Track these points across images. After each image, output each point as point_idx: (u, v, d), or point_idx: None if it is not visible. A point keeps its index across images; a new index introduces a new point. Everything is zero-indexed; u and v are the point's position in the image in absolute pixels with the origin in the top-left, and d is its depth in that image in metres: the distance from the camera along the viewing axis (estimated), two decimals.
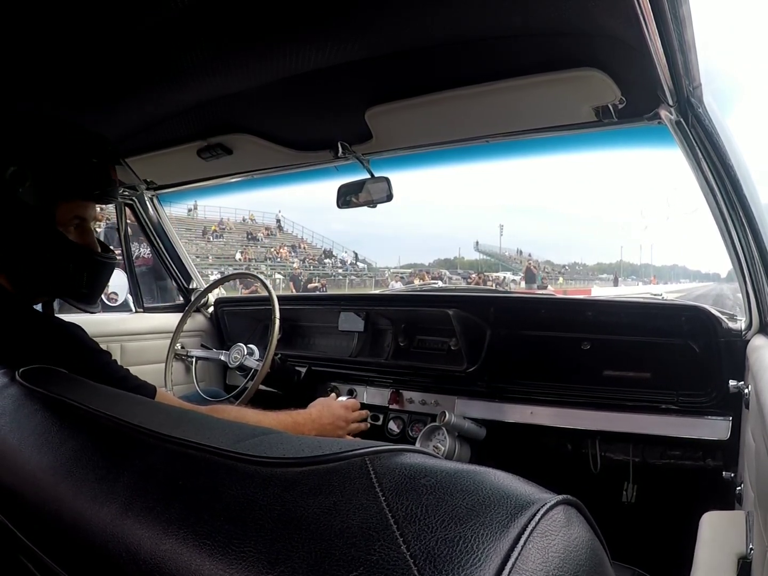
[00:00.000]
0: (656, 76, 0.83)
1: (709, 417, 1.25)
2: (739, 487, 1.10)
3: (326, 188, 1.68)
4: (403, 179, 1.56)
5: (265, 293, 1.63)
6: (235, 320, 2.04)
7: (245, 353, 1.64)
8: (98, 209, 0.99)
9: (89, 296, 0.91)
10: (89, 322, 1.16)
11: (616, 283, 41.97)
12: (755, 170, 1.13)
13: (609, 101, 1.00)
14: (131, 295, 2.07)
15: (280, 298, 1.59)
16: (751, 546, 0.79)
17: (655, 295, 1.55)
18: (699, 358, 1.26)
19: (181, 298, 2.14)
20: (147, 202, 1.91)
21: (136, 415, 0.45)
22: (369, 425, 1.23)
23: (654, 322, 1.33)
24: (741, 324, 1.25)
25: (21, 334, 0.79)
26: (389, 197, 1.45)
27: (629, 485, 1.42)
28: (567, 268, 55.61)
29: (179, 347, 1.84)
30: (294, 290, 18.54)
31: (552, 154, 1.42)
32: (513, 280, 29.35)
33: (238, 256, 25.91)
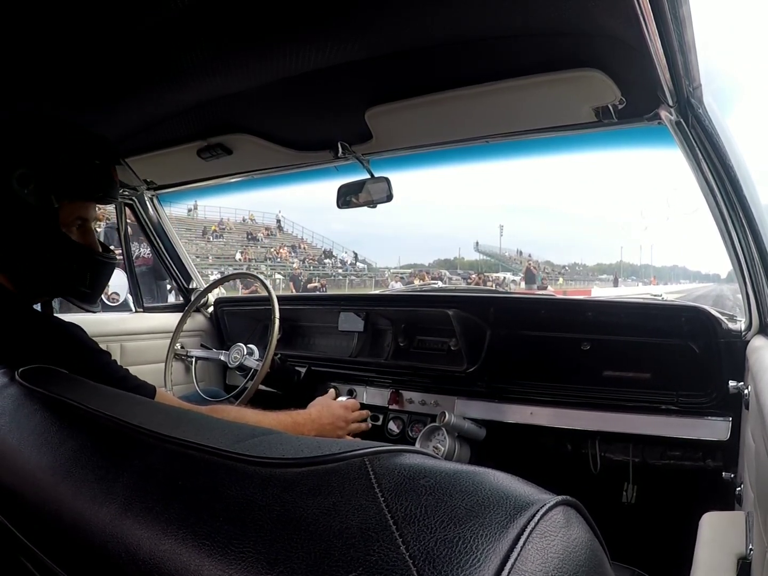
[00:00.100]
0: (656, 77, 0.83)
1: (709, 417, 1.25)
2: (739, 488, 1.10)
3: (326, 188, 1.69)
4: (403, 179, 1.56)
5: (265, 293, 1.63)
6: (235, 320, 2.04)
7: (245, 353, 1.64)
8: (99, 209, 1.00)
9: (91, 296, 0.92)
10: (89, 322, 1.16)
11: (616, 283, 41.96)
12: (755, 170, 1.13)
13: (609, 101, 1.00)
14: (131, 294, 2.07)
15: (280, 298, 1.59)
16: (750, 546, 0.78)
17: (655, 295, 1.55)
18: (699, 358, 1.26)
19: (181, 298, 2.14)
20: (147, 202, 1.91)
21: (135, 415, 0.45)
22: (370, 425, 1.23)
23: (654, 322, 1.33)
24: (741, 325, 1.25)
25: (21, 334, 0.79)
26: (389, 197, 1.45)
27: (629, 486, 1.42)
28: (567, 268, 55.66)
29: (179, 347, 1.84)
30: (294, 290, 18.55)
31: (552, 154, 1.42)
32: (513, 281, 29.36)
33: (238, 256, 25.92)
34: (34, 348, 0.76)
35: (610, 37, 0.86)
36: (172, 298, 4.42)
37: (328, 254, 31.98)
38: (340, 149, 1.36)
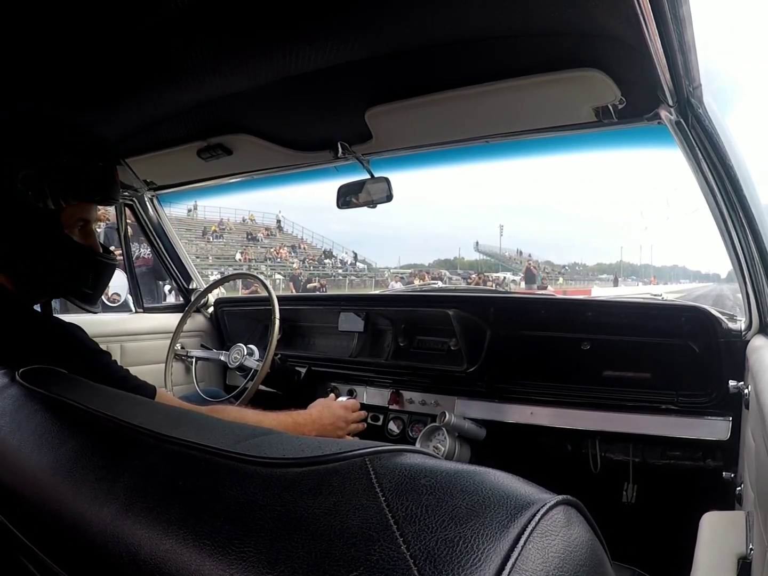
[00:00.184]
0: (656, 77, 0.83)
1: (709, 417, 1.25)
2: (739, 488, 1.10)
3: (326, 188, 1.69)
4: (403, 179, 1.56)
5: (265, 293, 1.63)
6: (235, 320, 2.04)
7: (245, 353, 1.64)
8: (99, 210, 1.00)
9: (92, 296, 0.93)
10: (89, 322, 1.16)
11: (616, 283, 41.96)
12: (755, 170, 1.13)
13: (609, 101, 1.00)
14: (131, 295, 2.07)
15: (280, 298, 1.59)
16: (751, 546, 0.78)
17: (655, 295, 1.55)
18: (699, 358, 1.26)
19: (181, 299, 2.14)
20: (147, 203, 1.91)
21: (136, 416, 0.45)
22: (365, 425, 1.24)
23: (654, 322, 1.33)
24: (741, 324, 1.25)
25: (21, 335, 0.79)
26: (389, 197, 1.45)
27: (629, 485, 1.42)
28: (567, 268, 55.65)
29: (179, 347, 1.84)
30: (294, 291, 18.55)
31: (552, 154, 1.42)
32: (513, 281, 29.36)
33: (238, 256, 25.92)
34: (35, 348, 0.76)
35: (610, 37, 0.86)
36: (171, 299, 4.42)
37: (328, 254, 31.98)
38: (340, 149, 1.36)
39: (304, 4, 0.82)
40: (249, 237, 29.84)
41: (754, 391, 0.92)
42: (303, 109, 1.27)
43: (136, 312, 2.00)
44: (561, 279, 43.53)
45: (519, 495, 0.27)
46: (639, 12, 0.67)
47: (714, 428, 1.24)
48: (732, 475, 1.20)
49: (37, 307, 0.91)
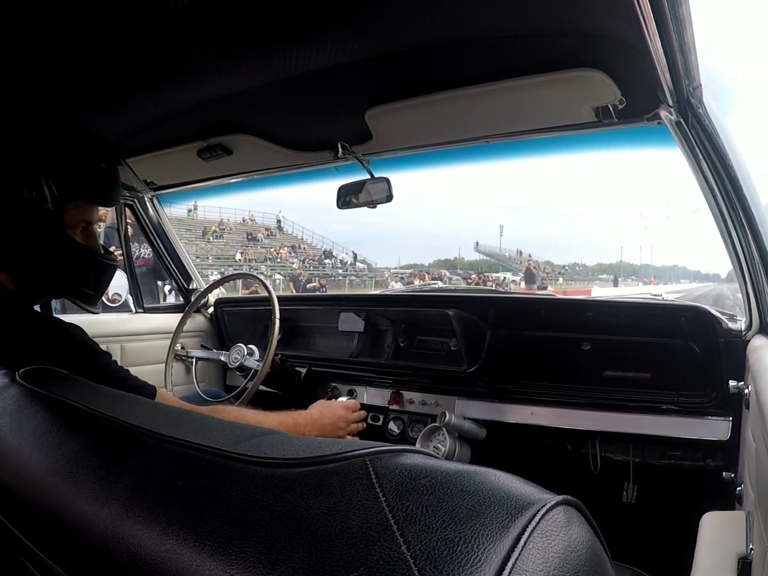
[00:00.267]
0: (656, 77, 0.83)
1: (709, 417, 1.25)
2: (740, 488, 1.10)
3: (326, 188, 1.69)
4: (403, 179, 1.56)
5: (265, 294, 1.63)
6: (235, 320, 2.04)
7: (245, 354, 1.64)
8: (100, 210, 1.01)
9: (94, 297, 0.93)
10: (89, 322, 1.16)
11: (616, 283, 41.95)
12: (755, 170, 1.13)
13: (609, 101, 1.00)
14: (131, 295, 2.07)
15: (280, 298, 1.59)
16: (751, 546, 0.78)
17: (655, 295, 1.55)
18: (699, 358, 1.26)
19: (181, 299, 2.14)
20: (147, 203, 1.91)
21: (136, 416, 0.45)
22: (365, 425, 1.24)
23: (654, 322, 1.33)
24: (741, 324, 1.25)
25: (21, 335, 0.79)
26: (389, 198, 1.45)
27: (629, 485, 1.42)
28: (567, 268, 55.67)
29: (179, 348, 1.84)
30: (294, 291, 18.55)
31: (552, 154, 1.42)
32: (513, 281, 29.36)
33: (238, 256, 25.93)
34: (35, 349, 0.76)
35: (610, 37, 0.86)
36: (171, 299, 4.42)
37: (328, 254, 31.99)
38: (340, 149, 1.36)
39: (304, 4, 0.82)
40: (249, 237, 29.85)
41: (754, 391, 0.92)
42: (303, 109, 1.27)
43: (136, 312, 2.00)
44: (561, 279, 43.54)
45: (519, 495, 0.27)
46: (639, 12, 0.67)
47: (714, 428, 1.24)
48: (732, 475, 1.20)
49: (37, 308, 0.91)
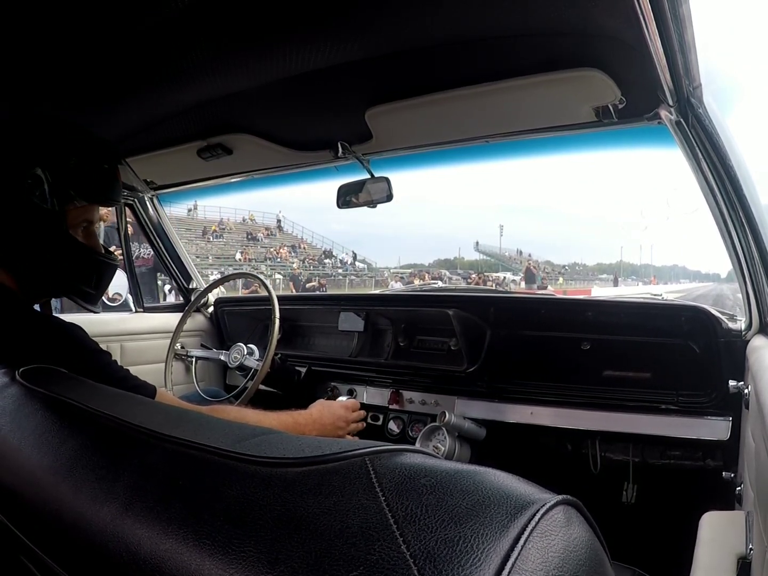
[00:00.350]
0: (656, 77, 0.83)
1: (709, 417, 1.25)
2: (739, 488, 1.10)
3: (326, 188, 1.69)
4: (403, 179, 1.56)
5: (265, 293, 1.63)
6: (235, 320, 2.04)
7: (245, 353, 1.64)
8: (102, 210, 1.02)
9: (95, 296, 0.94)
10: (89, 322, 1.16)
11: (616, 283, 41.97)
12: (755, 170, 1.13)
13: (609, 101, 1.00)
14: (131, 295, 2.07)
15: (280, 298, 1.59)
16: (750, 546, 0.78)
17: (655, 295, 1.55)
18: (699, 358, 1.26)
19: (181, 298, 2.14)
20: (147, 202, 1.91)
21: (136, 415, 0.45)
22: (365, 425, 1.24)
23: (654, 322, 1.33)
24: (741, 324, 1.25)
25: (21, 334, 0.79)
26: (389, 197, 1.45)
27: (629, 485, 1.42)
28: (567, 268, 55.66)
29: (179, 347, 1.84)
30: (294, 290, 18.55)
31: (552, 154, 1.42)
32: (513, 281, 29.36)
33: (238, 256, 25.92)
34: (35, 348, 0.76)
35: (610, 37, 0.86)
36: (171, 298, 4.42)
37: (328, 254, 31.99)
38: (340, 149, 1.36)
39: (304, 4, 0.82)
40: (249, 237, 29.84)
41: (754, 391, 0.92)
42: (303, 109, 1.27)
43: (136, 312, 2.00)
44: (561, 279, 43.53)
45: (519, 495, 0.27)
46: (639, 12, 0.67)
47: (714, 428, 1.24)
48: (732, 475, 1.20)
49: (37, 307, 0.91)
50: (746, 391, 1.08)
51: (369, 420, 1.58)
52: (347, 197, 1.50)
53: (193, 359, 1.86)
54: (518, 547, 0.24)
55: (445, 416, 1.37)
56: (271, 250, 28.69)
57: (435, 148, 1.37)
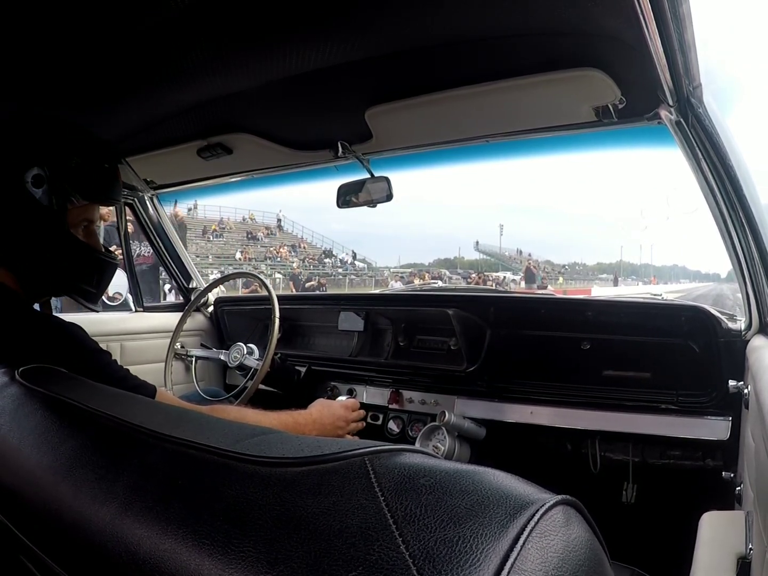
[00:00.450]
0: (656, 76, 0.83)
1: (709, 417, 1.25)
2: (739, 487, 1.10)
3: (326, 188, 1.69)
4: (403, 179, 1.56)
5: (265, 293, 1.63)
6: (235, 319, 2.04)
7: (245, 353, 1.64)
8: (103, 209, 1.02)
9: (95, 295, 0.94)
10: (89, 321, 1.16)
11: (616, 283, 41.99)
12: (755, 170, 1.13)
13: (609, 101, 1.00)
14: (131, 294, 2.07)
15: (280, 297, 1.59)
16: (750, 546, 0.78)
17: (654, 295, 1.55)
18: (699, 358, 1.26)
19: (181, 298, 2.14)
20: (147, 202, 1.91)
21: (135, 415, 0.45)
22: (365, 424, 1.24)
23: (654, 322, 1.33)
24: (741, 324, 1.25)
25: (21, 334, 0.79)
26: (389, 197, 1.45)
27: (629, 485, 1.42)
28: (567, 267, 55.66)
29: (179, 347, 1.84)
30: (294, 290, 18.54)
31: (552, 154, 1.42)
32: (513, 280, 29.36)
33: (238, 255, 25.91)
34: (35, 348, 0.76)
35: (610, 37, 0.86)
36: (171, 298, 4.42)
37: (328, 254, 31.98)
38: (340, 149, 1.36)
39: (304, 4, 0.82)
40: (249, 236, 29.83)
41: (754, 391, 0.92)
42: (303, 108, 1.27)
43: (136, 311, 2.00)
44: (561, 278, 43.53)
45: (518, 495, 0.27)
46: (639, 12, 0.67)
47: (714, 428, 1.24)
48: (732, 475, 1.20)
49: (37, 306, 0.91)
50: (746, 391, 1.08)
51: (369, 420, 1.58)
52: (347, 197, 1.50)
53: (193, 359, 1.86)
54: (517, 547, 0.24)
55: (444, 416, 1.37)
56: (271, 249, 28.68)
57: (435, 148, 1.37)
